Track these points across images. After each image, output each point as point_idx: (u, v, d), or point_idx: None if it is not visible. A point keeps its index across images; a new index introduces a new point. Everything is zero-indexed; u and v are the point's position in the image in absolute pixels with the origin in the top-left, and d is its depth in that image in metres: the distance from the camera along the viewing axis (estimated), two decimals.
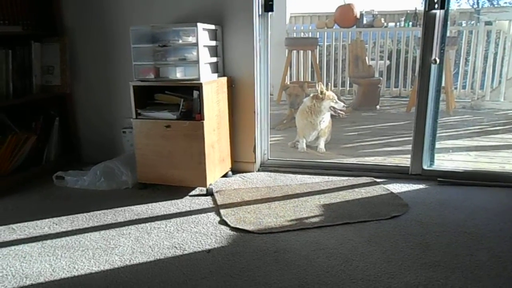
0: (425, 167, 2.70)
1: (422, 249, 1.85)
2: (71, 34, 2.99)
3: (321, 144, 3.49)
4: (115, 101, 3.03)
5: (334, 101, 3.52)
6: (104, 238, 2.01)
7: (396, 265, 1.73)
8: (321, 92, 3.48)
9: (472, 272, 1.67)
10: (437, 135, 2.73)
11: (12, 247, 1.94)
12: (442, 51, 2.54)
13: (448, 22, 2.57)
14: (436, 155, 2.76)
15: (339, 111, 3.56)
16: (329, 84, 3.96)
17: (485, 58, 5.13)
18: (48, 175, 2.75)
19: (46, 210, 2.32)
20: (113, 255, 1.86)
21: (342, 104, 3.59)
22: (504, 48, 5.02)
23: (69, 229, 2.11)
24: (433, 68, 2.55)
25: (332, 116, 3.62)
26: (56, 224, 2.16)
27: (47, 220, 2.21)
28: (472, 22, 5.64)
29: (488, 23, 5.16)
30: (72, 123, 3.14)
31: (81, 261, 1.81)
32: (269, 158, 2.99)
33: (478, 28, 5.28)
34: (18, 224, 2.16)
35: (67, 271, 1.74)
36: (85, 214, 2.27)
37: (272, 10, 2.72)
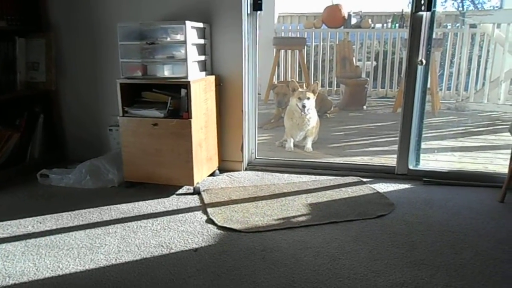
0: (410, 167, 2.73)
1: (407, 248, 1.87)
2: (57, 30, 2.94)
3: (308, 144, 3.51)
4: (101, 98, 3.00)
5: (298, 98, 3.45)
6: (90, 237, 1.99)
7: (382, 263, 1.75)
8: (293, 89, 3.49)
9: (456, 271, 1.70)
10: (423, 135, 2.77)
11: None
12: (428, 52, 2.57)
13: (434, 24, 2.60)
14: (421, 155, 2.79)
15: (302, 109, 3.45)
16: (317, 82, 3.87)
17: (470, 60, 5.22)
18: (32, 173, 2.70)
19: (30, 209, 2.29)
20: (98, 254, 1.84)
21: (302, 103, 3.41)
22: (488, 51, 5.11)
23: (54, 227, 2.08)
24: (419, 69, 2.58)
25: (319, 116, 3.63)
26: (40, 223, 2.13)
27: (30, 218, 2.17)
28: (457, 25, 5.72)
29: (473, 25, 5.24)
30: (57, 121, 3.09)
31: (65, 260, 1.78)
32: (257, 157, 2.99)
33: (463, 30, 5.36)
34: (1, 223, 2.12)
35: (51, 271, 1.71)
36: (70, 212, 2.24)
37: (261, 9, 2.72)
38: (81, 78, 3.01)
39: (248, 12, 2.68)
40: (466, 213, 2.23)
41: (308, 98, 3.45)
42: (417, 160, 2.77)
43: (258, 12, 2.73)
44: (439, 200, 2.39)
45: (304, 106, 3.42)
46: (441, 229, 2.05)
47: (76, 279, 1.66)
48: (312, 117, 3.54)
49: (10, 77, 2.79)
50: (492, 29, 4.94)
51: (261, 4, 2.71)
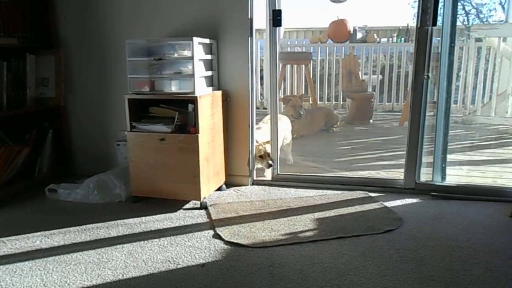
0: (418, 181, 2.71)
1: (416, 264, 1.85)
2: (66, 47, 3.00)
3: (289, 156, 3.47)
4: (109, 113, 3.03)
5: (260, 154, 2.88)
6: (97, 252, 1.99)
7: (390, 279, 1.73)
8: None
9: (466, 287, 1.67)
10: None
11: (3, 261, 1.91)
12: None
13: None
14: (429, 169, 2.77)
15: None
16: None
17: (476, 73, 5.21)
18: (41, 188, 2.72)
19: (38, 223, 2.30)
20: (105, 269, 1.83)
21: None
22: (494, 64, 5.10)
23: (61, 243, 2.08)
24: (426, 82, 2.58)
25: (324, 130, 3.59)
26: (48, 238, 2.13)
27: (38, 233, 2.18)
28: (463, 39, 5.73)
29: (478, 39, 5.24)
30: (66, 136, 3.12)
31: (73, 276, 1.78)
32: None
33: (469, 44, 5.36)
34: (9, 238, 2.13)
35: (59, 286, 1.71)
36: (77, 227, 2.25)
37: (280, 25, 2.74)
38: (90, 94, 3.05)
39: (269, 27, 2.73)
40: (475, 228, 2.20)
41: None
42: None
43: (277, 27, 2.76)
44: (448, 215, 2.37)
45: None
46: (450, 244, 2.03)
47: None
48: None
49: (20, 93, 2.83)
50: (498, 43, 4.94)
51: (280, 20, 2.72)
